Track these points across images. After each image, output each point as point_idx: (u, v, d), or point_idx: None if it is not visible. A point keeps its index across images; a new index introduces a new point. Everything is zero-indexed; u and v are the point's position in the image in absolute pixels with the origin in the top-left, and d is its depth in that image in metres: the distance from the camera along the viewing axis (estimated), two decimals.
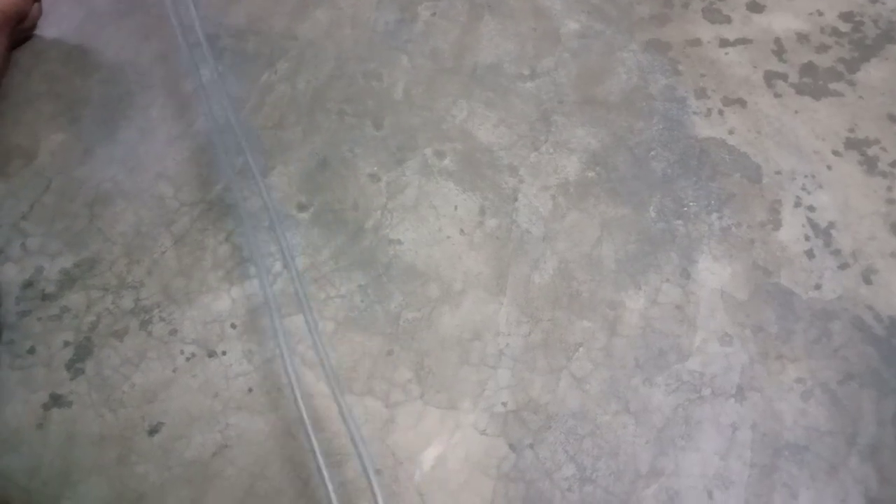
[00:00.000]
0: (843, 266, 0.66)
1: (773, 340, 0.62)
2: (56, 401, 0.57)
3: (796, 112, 0.77)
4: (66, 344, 0.60)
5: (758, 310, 0.63)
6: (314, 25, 0.83)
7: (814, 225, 0.68)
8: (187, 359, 0.59)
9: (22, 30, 0.77)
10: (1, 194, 0.68)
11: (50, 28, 0.81)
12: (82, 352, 0.59)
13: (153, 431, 0.56)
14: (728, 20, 0.86)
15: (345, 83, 0.78)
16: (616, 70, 0.81)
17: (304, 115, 0.75)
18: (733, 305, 0.64)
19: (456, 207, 0.69)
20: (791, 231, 0.68)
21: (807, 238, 0.68)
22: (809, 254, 0.67)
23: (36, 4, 0.77)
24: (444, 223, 0.68)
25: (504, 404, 0.58)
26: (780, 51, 0.83)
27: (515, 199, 0.70)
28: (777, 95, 0.78)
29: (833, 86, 0.80)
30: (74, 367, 0.59)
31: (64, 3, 0.82)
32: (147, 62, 0.79)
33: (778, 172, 0.72)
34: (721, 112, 0.77)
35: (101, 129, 0.73)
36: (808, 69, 0.81)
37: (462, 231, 0.68)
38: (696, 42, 0.84)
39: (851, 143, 0.74)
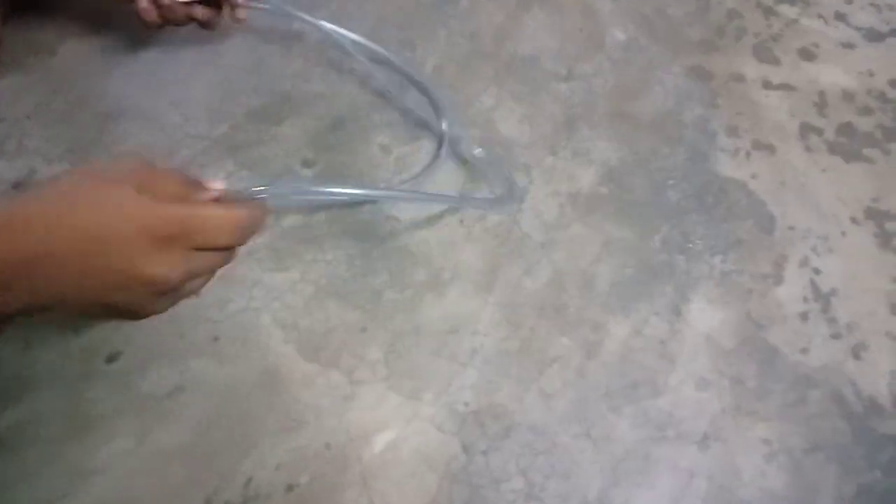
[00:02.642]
0: (836, 336, 0.64)
1: (748, 395, 0.61)
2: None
3: (824, 170, 0.75)
4: None
5: (740, 361, 0.62)
6: None
7: (815, 288, 0.67)
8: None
9: None
10: (12, 88, 0.67)
11: None
12: None
13: (111, 359, 0.55)
14: (777, 62, 0.84)
15: (379, 46, 0.76)
16: (653, 89, 0.79)
17: (330, 72, 0.73)
18: (717, 352, 0.62)
19: None
20: (791, 289, 0.67)
21: (805, 300, 0.66)
22: (804, 316, 0.65)
23: None
24: (446, 210, 0.67)
25: (466, 404, 0.57)
26: (821, 104, 0.81)
27: (522, 200, 0.69)
28: (808, 149, 0.76)
29: (867, 151, 0.78)
30: None
31: None
32: None
33: (791, 228, 0.70)
34: (749, 154, 0.75)
35: (125, 43, 0.72)
36: (846, 129, 0.79)
37: (462, 222, 0.66)
38: (740, 78, 0.81)
39: (871, 213, 0.73)
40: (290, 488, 0.52)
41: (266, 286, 0.60)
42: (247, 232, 0.40)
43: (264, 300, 0.60)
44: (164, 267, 0.36)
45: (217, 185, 0.42)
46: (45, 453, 0.51)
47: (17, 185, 0.61)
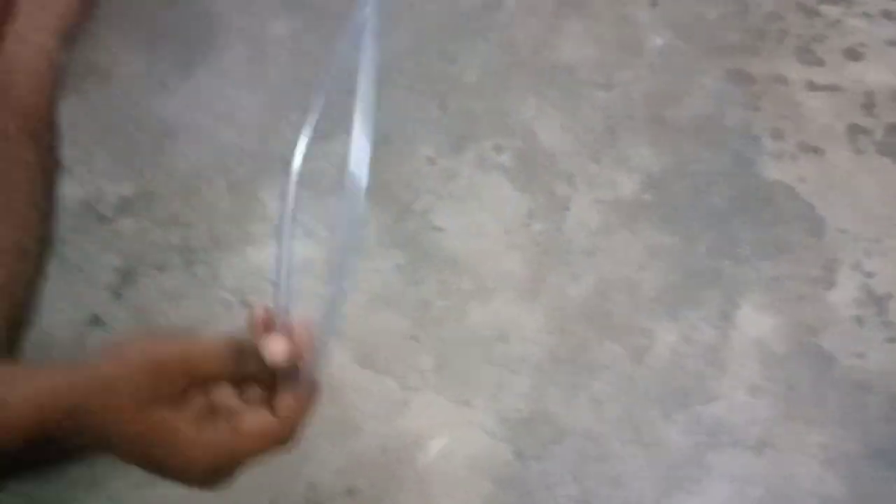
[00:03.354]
0: (892, 339, 0.64)
1: (803, 401, 0.60)
2: (95, 320, 0.59)
3: (874, 172, 0.74)
4: (113, 268, 0.62)
5: (794, 367, 0.62)
6: None
7: (869, 291, 0.66)
8: (223, 305, 0.61)
9: None
10: (76, 112, 0.70)
11: None
12: (126, 278, 0.61)
13: None
14: (821, 63, 0.83)
15: (419, 59, 0.78)
16: (693, 94, 0.79)
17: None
18: (769, 358, 0.62)
19: (505, 205, 0.69)
20: (844, 293, 0.66)
21: (859, 304, 0.65)
22: (859, 320, 0.64)
23: None
24: (490, 218, 0.68)
25: (518, 410, 0.58)
26: (869, 105, 0.79)
27: (566, 208, 0.69)
28: (857, 151, 0.76)
29: None
30: (117, 291, 0.61)
31: None
32: (230, 7, 0.80)
33: (842, 231, 0.70)
34: (795, 157, 0.74)
35: (177, 63, 0.75)
36: None
37: (506, 230, 0.67)
38: (783, 80, 0.81)
39: None
40: (350, 492, 0.53)
41: (321, 297, 0.62)
42: (300, 431, 0.36)
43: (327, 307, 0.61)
44: (219, 482, 0.36)
45: (276, 344, 0.36)
46: None
47: (86, 205, 0.64)
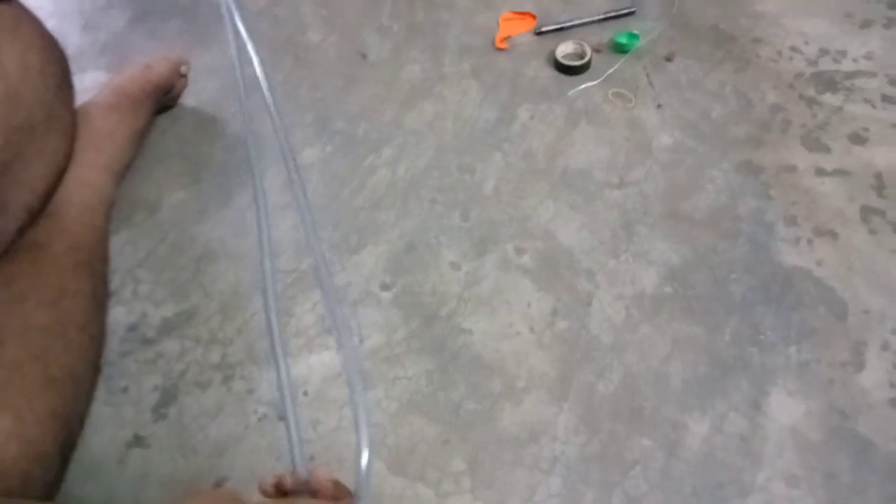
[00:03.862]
0: None
1: (844, 490, 0.59)
2: (138, 441, 0.62)
3: (892, 251, 0.75)
4: (156, 388, 0.65)
5: (830, 455, 0.61)
6: (420, 116, 0.90)
7: None
8: (259, 419, 0.63)
9: (168, 98, 0.87)
10: (123, 241, 0.76)
11: (189, 97, 0.91)
12: (168, 397, 0.64)
13: (218, 484, 0.59)
14: (827, 149, 0.86)
15: (440, 173, 0.83)
16: (705, 187, 0.82)
17: (399, 200, 0.80)
18: (804, 446, 0.61)
19: (529, 305, 0.71)
20: (875, 375, 0.65)
21: (892, 385, 0.65)
22: (893, 403, 0.64)
23: (182, 78, 0.87)
24: (515, 319, 0.70)
25: None
26: (879, 186, 0.82)
27: (589, 304, 0.71)
28: (872, 232, 0.77)
29: None
30: (159, 410, 0.64)
31: (203, 77, 0.93)
32: (267, 135, 0.86)
33: (866, 312, 0.70)
34: (810, 242, 0.76)
35: (218, 191, 0.81)
36: None
37: (532, 329, 0.70)
38: (791, 168, 0.84)
39: None
40: None
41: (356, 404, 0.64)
42: None
43: (353, 419, 0.63)
44: None
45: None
46: None
47: (132, 329, 0.69)
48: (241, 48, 0.52)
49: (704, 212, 0.79)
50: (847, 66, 0.96)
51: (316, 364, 0.66)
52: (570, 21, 1.01)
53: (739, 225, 0.78)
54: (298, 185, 0.51)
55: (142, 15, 1.04)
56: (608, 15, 1.02)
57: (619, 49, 0.97)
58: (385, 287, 0.72)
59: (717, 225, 0.78)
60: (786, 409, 0.64)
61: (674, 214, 0.79)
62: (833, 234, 0.77)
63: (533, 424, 0.63)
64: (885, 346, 0.68)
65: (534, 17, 1.03)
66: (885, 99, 0.92)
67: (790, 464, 0.60)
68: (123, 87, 0.81)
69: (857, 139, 0.87)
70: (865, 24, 1.02)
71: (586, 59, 0.94)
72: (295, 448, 0.45)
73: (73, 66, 0.69)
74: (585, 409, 0.64)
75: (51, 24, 0.64)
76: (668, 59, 0.97)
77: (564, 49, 0.96)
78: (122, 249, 0.76)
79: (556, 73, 0.95)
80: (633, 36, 0.97)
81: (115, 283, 0.73)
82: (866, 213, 0.79)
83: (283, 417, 0.62)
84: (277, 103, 0.52)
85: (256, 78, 0.52)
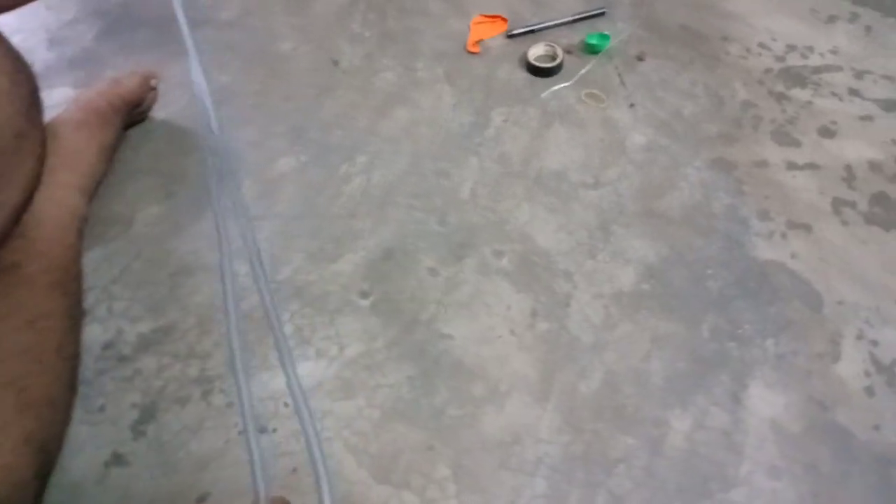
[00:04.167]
0: None
1: (825, 480, 0.60)
2: (117, 459, 0.61)
3: (864, 242, 0.76)
4: (134, 405, 0.64)
5: (811, 445, 0.62)
6: (394, 123, 0.89)
7: (876, 361, 0.66)
8: (240, 432, 0.62)
9: (137, 112, 0.86)
10: (98, 259, 0.75)
11: (160, 110, 0.90)
12: (147, 415, 0.64)
13: (200, 500, 0.58)
14: (797, 144, 0.87)
15: (416, 179, 0.83)
16: (679, 185, 0.82)
17: (375, 207, 0.80)
18: (785, 438, 0.62)
19: (509, 307, 0.72)
20: (851, 365, 0.66)
21: (867, 374, 0.66)
22: (869, 391, 0.65)
23: (152, 92, 0.87)
24: (495, 322, 0.70)
25: None
26: (850, 178, 0.83)
27: (568, 305, 0.72)
28: (844, 223, 0.78)
29: None
30: (138, 428, 0.63)
31: (173, 89, 0.92)
32: (241, 146, 0.86)
33: (840, 303, 0.71)
34: (784, 236, 0.77)
35: (192, 204, 0.80)
36: (880, 199, 0.81)
37: (513, 331, 0.70)
38: (763, 164, 0.85)
39: None
40: None
41: (336, 415, 0.64)
42: None
43: (335, 429, 0.63)
44: None
45: None
46: None
47: (108, 346, 0.68)
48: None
49: (679, 209, 0.80)
50: (814, 60, 0.98)
51: (295, 375, 0.66)
52: (541, 23, 1.02)
53: (714, 221, 0.79)
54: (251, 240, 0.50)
55: (110, 28, 1.03)
56: (579, 16, 1.03)
57: (591, 50, 0.98)
58: (364, 295, 0.72)
59: (692, 222, 0.79)
60: (765, 401, 0.64)
61: (649, 213, 0.80)
62: (806, 227, 0.78)
63: (516, 427, 0.63)
64: (859, 336, 0.68)
65: (505, 20, 1.03)
66: (852, 92, 0.94)
67: (771, 456, 0.61)
68: (92, 102, 0.80)
69: (827, 132, 0.88)
70: (830, 20, 1.04)
71: (558, 61, 0.94)
72: (257, 475, 0.44)
73: (41, 82, 0.68)
74: (568, 409, 0.64)
75: (16, 39, 0.63)
76: (640, 58, 0.98)
77: (536, 51, 0.96)
78: (97, 266, 0.75)
79: (529, 76, 0.95)
80: (603, 37, 0.98)
81: (90, 300, 0.71)
82: (838, 205, 0.80)
83: (263, 430, 0.62)
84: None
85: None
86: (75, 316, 0.67)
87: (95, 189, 0.79)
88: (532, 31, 1.01)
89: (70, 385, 0.63)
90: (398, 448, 0.62)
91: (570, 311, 0.71)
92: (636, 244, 0.77)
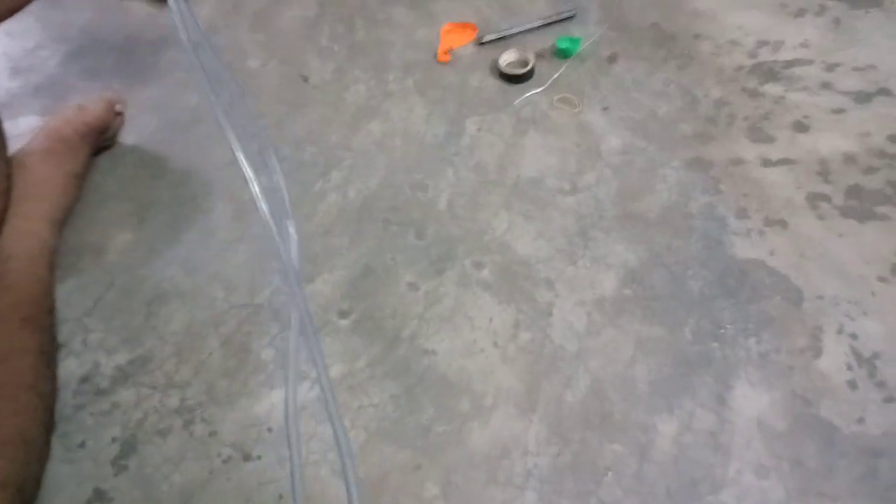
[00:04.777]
0: (889, 399, 0.64)
1: (812, 476, 0.60)
2: (99, 496, 0.60)
3: (841, 235, 0.76)
4: (114, 440, 0.63)
5: (797, 442, 0.62)
6: (367, 137, 0.89)
7: (857, 354, 0.67)
8: (224, 461, 0.61)
9: (105, 138, 0.85)
10: (70, 289, 0.74)
11: (129, 135, 0.89)
12: (127, 448, 0.62)
13: None
14: (772, 140, 0.87)
15: (392, 193, 0.82)
16: (656, 187, 0.82)
17: (352, 223, 0.79)
18: (770, 436, 0.62)
19: (491, 319, 0.71)
20: (833, 360, 0.66)
21: (849, 368, 0.66)
22: (852, 384, 0.65)
23: (119, 117, 0.85)
24: (478, 335, 0.70)
25: None
26: (825, 172, 0.83)
27: (550, 314, 0.71)
28: (821, 217, 0.78)
29: (880, 209, 0.79)
30: (119, 463, 0.62)
31: (142, 113, 0.91)
32: (212, 169, 0.85)
33: (820, 297, 0.71)
34: (762, 233, 0.77)
35: (166, 230, 0.79)
36: (854, 191, 0.81)
37: (496, 344, 0.69)
38: (739, 161, 0.85)
39: None
40: None
41: (321, 439, 0.63)
42: None
43: (321, 452, 0.62)
44: None
45: None
46: None
47: (84, 380, 0.66)
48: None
49: (657, 211, 0.80)
50: (785, 54, 0.98)
51: (277, 400, 0.65)
52: (511, 29, 1.01)
53: (692, 221, 0.79)
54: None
55: (74, 54, 1.01)
56: (548, 21, 1.03)
57: (562, 54, 0.98)
58: (343, 314, 0.71)
59: (671, 223, 0.79)
60: (750, 400, 0.64)
61: (628, 216, 0.80)
62: (783, 223, 0.78)
63: (503, 440, 0.63)
64: (840, 330, 0.69)
65: (474, 27, 1.03)
66: (824, 85, 0.94)
67: (758, 454, 0.61)
68: (58, 130, 0.78)
69: (800, 127, 0.89)
70: (799, 13, 1.05)
71: (529, 67, 0.94)
72: None
73: (5, 112, 0.67)
74: (555, 419, 0.64)
75: None
76: (612, 60, 0.98)
77: (507, 58, 0.96)
78: (70, 298, 0.73)
79: (501, 83, 0.95)
80: (574, 40, 0.98)
81: (64, 333, 0.70)
82: (813, 199, 0.80)
83: (248, 458, 0.61)
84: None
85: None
86: (49, 351, 0.66)
87: (66, 218, 0.78)
88: (503, 38, 1.01)
89: (46, 422, 0.62)
90: (385, 469, 0.61)
91: (553, 319, 0.71)
92: (616, 248, 0.76)
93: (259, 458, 0.62)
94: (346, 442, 0.58)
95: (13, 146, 0.75)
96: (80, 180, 0.81)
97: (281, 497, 0.60)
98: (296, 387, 0.65)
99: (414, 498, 0.60)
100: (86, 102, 0.82)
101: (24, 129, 0.85)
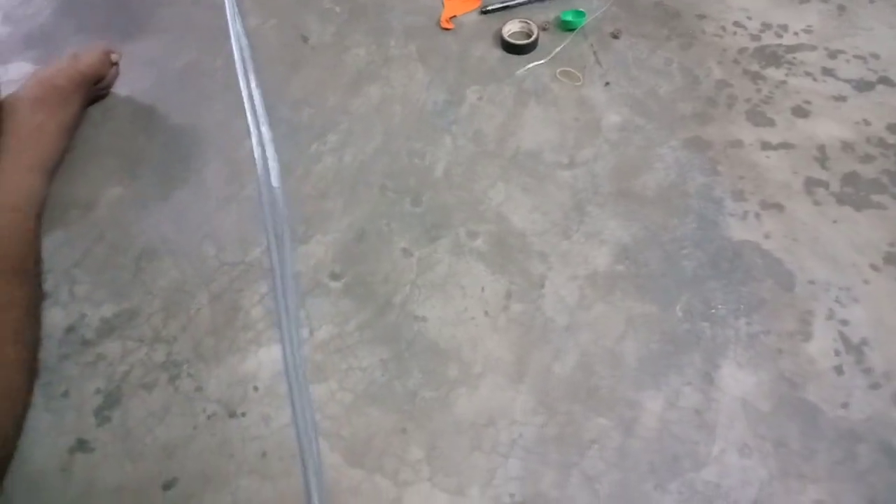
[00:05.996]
0: (874, 386, 0.64)
1: (794, 457, 0.60)
2: (81, 446, 0.60)
3: (835, 222, 0.76)
4: (98, 391, 0.62)
5: (780, 423, 0.62)
6: (366, 101, 0.88)
7: (845, 340, 0.67)
8: (208, 417, 0.61)
9: (98, 88, 0.83)
10: (58, 242, 0.73)
11: (123, 87, 0.87)
12: (111, 400, 0.62)
13: (168, 486, 0.57)
14: (772, 123, 0.87)
15: (389, 159, 0.81)
16: (654, 165, 0.82)
17: (347, 187, 0.78)
18: (755, 416, 0.62)
19: (483, 289, 0.71)
20: (821, 344, 0.67)
21: (837, 353, 0.66)
22: (839, 370, 0.65)
23: (114, 67, 0.84)
24: (469, 303, 0.70)
25: (511, 496, 0.58)
26: (823, 158, 0.83)
27: (542, 286, 0.71)
28: (816, 203, 0.78)
29: (876, 197, 0.79)
30: (102, 414, 0.61)
31: (138, 65, 0.89)
32: (208, 126, 0.84)
33: (812, 282, 0.71)
34: (758, 216, 0.77)
35: (157, 186, 0.78)
36: (851, 179, 0.81)
37: (487, 313, 0.69)
38: (738, 143, 0.84)
39: (892, 258, 0.73)
40: None
41: (307, 399, 0.62)
42: None
43: (307, 413, 0.62)
44: None
45: None
46: None
47: (70, 331, 0.66)
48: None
49: (654, 189, 0.80)
50: (789, 39, 0.97)
51: (265, 359, 0.65)
52: None
53: (689, 201, 0.78)
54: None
55: (66, 7, 0.99)
56: None
57: (566, 27, 0.96)
58: (335, 277, 0.71)
59: (667, 202, 0.78)
60: (737, 380, 0.65)
61: (624, 193, 0.79)
62: (779, 207, 0.78)
63: (490, 409, 0.63)
64: (830, 315, 0.69)
65: None
66: (826, 72, 0.94)
67: (742, 434, 0.61)
68: (51, 78, 0.77)
69: (800, 112, 0.88)
70: None
71: (533, 38, 0.93)
72: None
73: None
74: (542, 391, 0.64)
75: None
76: (615, 36, 0.97)
77: (511, 28, 0.95)
78: (58, 250, 0.72)
79: (504, 53, 0.94)
80: (579, 13, 0.97)
81: (50, 283, 0.69)
82: (810, 184, 0.80)
83: (233, 414, 0.60)
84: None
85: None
86: (35, 302, 0.65)
87: (56, 169, 0.77)
88: (507, 8, 0.99)
89: (29, 371, 0.61)
90: (371, 431, 0.61)
91: (545, 292, 0.71)
92: (611, 224, 0.76)
93: (244, 415, 0.62)
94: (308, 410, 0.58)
95: (3, 91, 0.74)
96: (72, 131, 0.79)
97: (264, 454, 0.59)
98: (296, 344, 0.65)
99: (398, 460, 0.60)
100: (80, 51, 0.80)
101: (14, 76, 0.84)
